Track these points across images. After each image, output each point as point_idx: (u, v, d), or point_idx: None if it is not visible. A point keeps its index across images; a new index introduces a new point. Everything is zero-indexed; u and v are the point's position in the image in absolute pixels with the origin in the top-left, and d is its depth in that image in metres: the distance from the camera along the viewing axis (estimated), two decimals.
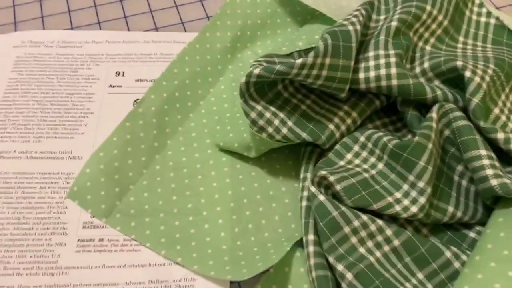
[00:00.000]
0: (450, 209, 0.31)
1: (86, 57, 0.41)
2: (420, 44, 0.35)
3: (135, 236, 0.32)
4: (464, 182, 0.31)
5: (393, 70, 0.31)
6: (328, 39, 0.30)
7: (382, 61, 0.32)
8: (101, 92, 0.39)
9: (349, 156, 0.32)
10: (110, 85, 0.40)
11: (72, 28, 0.44)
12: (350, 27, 0.32)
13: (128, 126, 0.36)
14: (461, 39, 0.37)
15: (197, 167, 0.35)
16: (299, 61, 0.30)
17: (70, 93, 0.39)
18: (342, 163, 0.32)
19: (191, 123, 0.38)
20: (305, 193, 0.32)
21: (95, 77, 0.40)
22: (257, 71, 0.30)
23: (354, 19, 0.32)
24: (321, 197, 0.29)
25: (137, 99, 0.39)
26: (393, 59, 0.32)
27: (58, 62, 0.41)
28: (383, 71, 0.32)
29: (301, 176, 0.33)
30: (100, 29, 0.44)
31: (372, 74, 0.32)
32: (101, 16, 0.45)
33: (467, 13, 0.38)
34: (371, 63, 0.32)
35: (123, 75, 0.40)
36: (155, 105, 0.37)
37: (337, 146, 0.33)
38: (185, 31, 0.44)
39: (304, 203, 0.31)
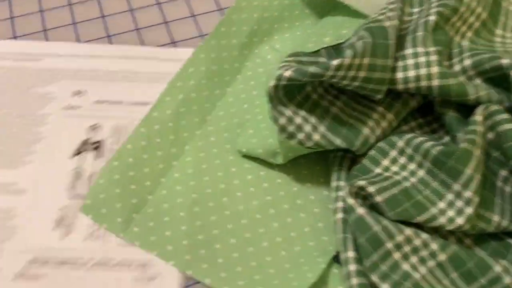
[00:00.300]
0: (496, 218, 0.28)
1: (45, 72, 0.36)
2: (457, 38, 0.33)
3: (157, 253, 0.29)
4: (508, 188, 0.29)
5: (434, 69, 0.29)
6: (366, 37, 0.28)
7: (421, 59, 0.29)
8: (56, 113, 0.34)
9: (385, 162, 0.30)
10: (67, 106, 0.35)
11: (15, 38, 0.38)
12: (387, 23, 0.29)
13: (143, 132, 0.33)
14: (498, 32, 0.35)
15: (218, 175, 0.33)
16: (335, 62, 0.27)
17: (21, 114, 0.34)
18: (378, 170, 0.30)
19: (209, 126, 0.35)
20: (340, 204, 0.29)
21: (52, 96, 0.35)
22: (288, 73, 0.28)
23: (390, 14, 0.30)
24: (360, 210, 0.27)
25: (95, 124, 0.34)
26: (433, 57, 0.29)
27: (12, 77, 0.36)
28: (423, 71, 0.29)
29: (333, 184, 0.30)
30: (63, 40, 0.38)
31: (411, 73, 0.29)
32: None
33: (504, 3, 0.36)
34: (410, 61, 0.29)
35: (83, 95, 0.35)
36: (171, 108, 0.35)
37: (372, 152, 0.30)
38: (175, 44, 0.39)
39: (340, 215, 0.29)
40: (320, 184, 0.33)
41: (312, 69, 0.27)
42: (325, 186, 0.33)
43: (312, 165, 0.34)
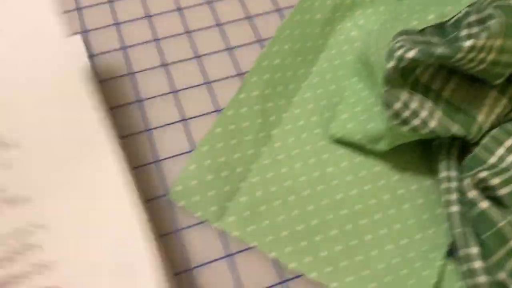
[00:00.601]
0: None
1: None
2: None
3: (258, 243, 0.28)
4: None
5: None
6: (501, 16, 0.25)
7: None
8: None
9: (500, 151, 0.28)
10: None
11: None
12: None
13: (230, 115, 0.31)
14: None
15: (311, 162, 0.31)
16: (468, 43, 0.25)
17: None
18: (493, 160, 0.28)
19: (296, 109, 0.33)
20: (454, 196, 0.27)
21: None
22: (411, 54, 0.25)
23: None
24: (484, 204, 0.25)
25: None
26: None
27: None
28: None
29: (443, 174, 0.28)
30: None
31: None
32: None
33: None
34: None
35: None
36: (257, 89, 0.33)
37: (486, 140, 0.28)
38: None
39: (455, 208, 0.27)
40: (422, 173, 0.31)
41: (440, 50, 0.25)
42: (428, 175, 0.31)
43: (410, 152, 0.32)
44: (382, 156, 0.31)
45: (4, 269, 0.22)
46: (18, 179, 0.23)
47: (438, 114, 0.28)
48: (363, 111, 0.31)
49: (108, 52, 0.35)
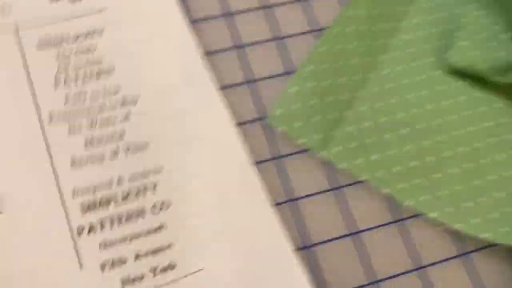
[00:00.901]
0: None
1: None
2: None
3: (367, 177, 0.25)
4: None
5: None
6: None
7: None
8: None
9: None
10: None
11: None
12: None
13: (336, 34, 0.28)
14: None
15: (423, 94, 0.27)
16: None
17: None
18: None
19: (405, 35, 0.29)
20: None
21: None
22: None
23: None
24: None
25: None
26: None
27: None
28: None
29: None
30: None
31: None
32: None
33: None
34: None
35: None
36: (364, 8, 0.29)
37: None
38: None
39: None
40: None
41: None
42: None
43: None
44: (504, 91, 0.28)
45: (121, 207, 0.23)
46: (135, 129, 0.25)
47: None
48: (488, 39, 0.27)
49: None
